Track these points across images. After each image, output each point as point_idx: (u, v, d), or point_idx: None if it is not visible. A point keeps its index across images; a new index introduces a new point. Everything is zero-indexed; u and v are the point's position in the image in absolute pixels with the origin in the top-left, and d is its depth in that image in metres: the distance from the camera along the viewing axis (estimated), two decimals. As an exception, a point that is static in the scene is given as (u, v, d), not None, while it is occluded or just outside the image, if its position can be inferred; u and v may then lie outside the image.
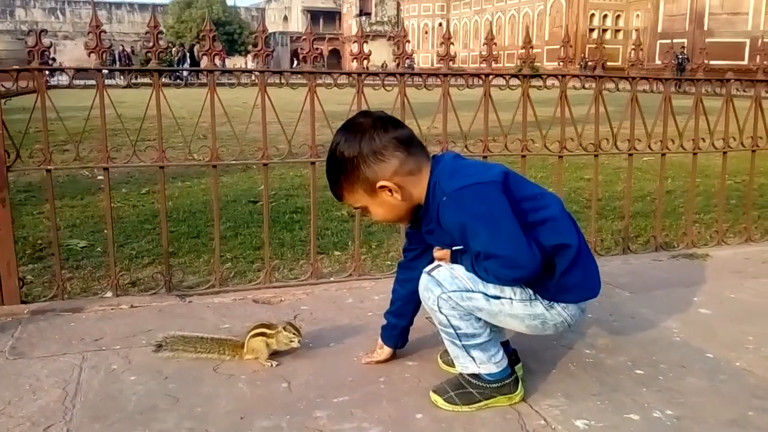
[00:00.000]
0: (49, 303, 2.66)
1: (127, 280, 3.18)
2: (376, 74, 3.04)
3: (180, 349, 2.10)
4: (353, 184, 1.81)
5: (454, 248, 1.81)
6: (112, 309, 2.61)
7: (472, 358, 1.81)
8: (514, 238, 1.66)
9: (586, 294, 1.83)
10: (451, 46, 3.10)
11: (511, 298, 1.77)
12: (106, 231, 4.36)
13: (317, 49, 2.87)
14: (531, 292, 1.78)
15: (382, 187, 1.78)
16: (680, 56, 14.14)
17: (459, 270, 1.78)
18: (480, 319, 1.79)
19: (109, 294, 2.81)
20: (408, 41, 3.04)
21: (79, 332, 2.35)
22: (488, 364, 1.81)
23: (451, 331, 1.79)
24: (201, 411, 1.81)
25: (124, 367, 2.07)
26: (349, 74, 3.01)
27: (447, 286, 1.76)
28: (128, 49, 35.06)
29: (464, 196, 1.70)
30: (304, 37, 2.95)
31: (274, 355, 2.11)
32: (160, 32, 2.73)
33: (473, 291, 1.75)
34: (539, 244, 1.69)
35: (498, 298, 1.76)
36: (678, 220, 4.67)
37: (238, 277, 3.24)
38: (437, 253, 1.86)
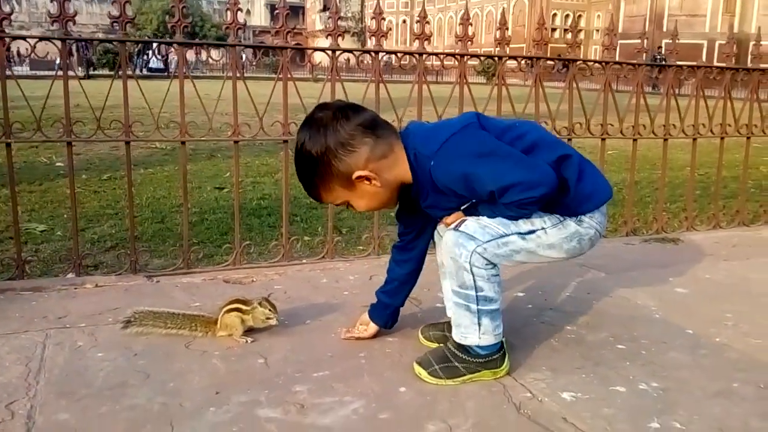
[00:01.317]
0: (8, 282, 2.53)
1: (90, 262, 3.07)
2: (350, 51, 2.97)
3: (149, 324, 2.00)
4: (328, 182, 1.72)
5: (462, 208, 1.76)
6: (75, 288, 2.49)
7: (479, 325, 1.73)
8: (519, 161, 1.63)
9: (604, 195, 1.78)
10: (427, 25, 3.06)
11: (543, 228, 1.73)
12: (65, 215, 4.25)
13: (289, 22, 2.80)
14: (558, 215, 1.74)
15: (358, 177, 1.70)
16: (659, 57, 14.35)
17: (484, 219, 1.71)
18: (500, 284, 1.75)
19: (71, 275, 2.69)
20: (383, 18, 2.97)
21: (42, 310, 2.24)
22: (490, 335, 1.75)
23: (472, 293, 1.71)
24: (173, 386, 1.72)
25: (90, 344, 1.96)
26: (323, 50, 2.94)
27: (480, 237, 1.69)
28: (86, 40, 34.20)
29: (450, 149, 1.65)
30: (277, 11, 2.87)
31: (249, 332, 2.03)
32: (128, 1, 2.63)
33: (507, 234, 1.70)
34: None
35: (532, 232, 1.72)
36: (645, 209, 4.71)
37: (206, 260, 3.15)
38: (449, 218, 1.78)
